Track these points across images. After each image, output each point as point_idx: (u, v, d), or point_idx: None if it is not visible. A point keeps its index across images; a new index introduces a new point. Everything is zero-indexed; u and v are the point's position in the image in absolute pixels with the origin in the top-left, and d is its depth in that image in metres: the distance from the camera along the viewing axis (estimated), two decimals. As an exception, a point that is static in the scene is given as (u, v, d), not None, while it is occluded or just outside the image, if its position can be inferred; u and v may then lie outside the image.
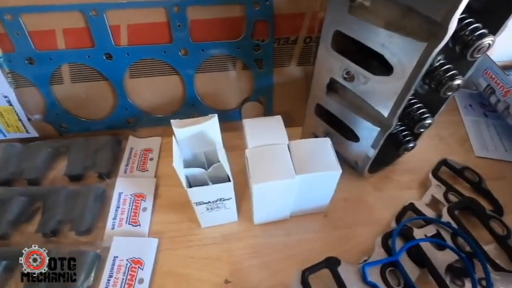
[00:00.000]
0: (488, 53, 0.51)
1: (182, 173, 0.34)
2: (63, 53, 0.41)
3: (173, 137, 0.35)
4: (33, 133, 0.49)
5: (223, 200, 0.37)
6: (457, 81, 0.33)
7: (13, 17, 0.37)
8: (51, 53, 0.40)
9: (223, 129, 0.38)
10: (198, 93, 0.47)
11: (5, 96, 0.44)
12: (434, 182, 0.44)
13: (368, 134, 0.38)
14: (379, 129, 0.36)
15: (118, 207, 0.42)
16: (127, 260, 0.37)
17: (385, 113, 0.34)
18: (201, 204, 0.36)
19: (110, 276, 0.36)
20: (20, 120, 0.47)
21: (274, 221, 0.42)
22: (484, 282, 0.34)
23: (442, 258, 0.35)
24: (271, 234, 0.41)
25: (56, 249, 0.37)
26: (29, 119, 0.47)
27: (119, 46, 0.40)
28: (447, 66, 0.33)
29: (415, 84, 0.30)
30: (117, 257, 0.38)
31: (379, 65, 0.32)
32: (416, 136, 0.43)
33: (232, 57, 0.43)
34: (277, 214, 0.41)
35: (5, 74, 0.42)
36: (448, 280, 0.34)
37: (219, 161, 0.34)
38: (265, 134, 0.38)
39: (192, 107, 0.48)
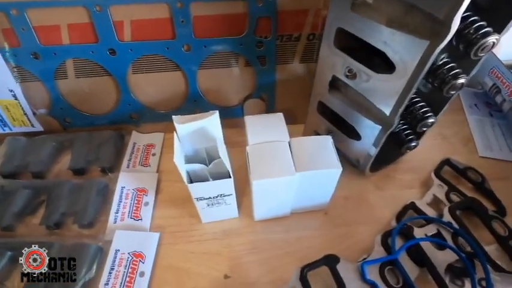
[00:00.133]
0: (495, 51, 0.51)
1: (183, 168, 0.34)
2: (68, 48, 0.41)
3: (174, 133, 0.36)
4: (38, 127, 0.50)
5: (224, 196, 0.37)
6: (461, 80, 0.33)
7: (19, 12, 0.37)
8: (56, 48, 0.41)
9: (225, 126, 0.38)
10: (200, 90, 0.47)
11: (11, 91, 0.44)
12: (436, 181, 0.44)
13: (370, 132, 0.38)
14: (380, 127, 0.36)
15: (120, 202, 0.43)
16: (128, 253, 0.38)
17: (387, 111, 0.34)
18: (201, 199, 0.37)
19: (112, 269, 0.37)
20: (25, 114, 0.47)
21: (274, 218, 0.42)
22: (483, 283, 0.33)
23: (442, 258, 0.35)
24: (271, 231, 0.41)
25: (59, 242, 0.38)
26: (34, 113, 0.48)
27: (122, 42, 0.41)
28: (451, 64, 0.33)
29: (417, 83, 0.30)
30: (118, 250, 0.38)
31: (382, 63, 0.32)
32: (419, 135, 0.43)
33: (234, 54, 0.43)
34: (277, 211, 0.41)
35: (11, 68, 0.42)
36: (447, 280, 0.34)
37: (220, 157, 0.34)
38: (266, 131, 0.38)
39: (194, 103, 0.48)
